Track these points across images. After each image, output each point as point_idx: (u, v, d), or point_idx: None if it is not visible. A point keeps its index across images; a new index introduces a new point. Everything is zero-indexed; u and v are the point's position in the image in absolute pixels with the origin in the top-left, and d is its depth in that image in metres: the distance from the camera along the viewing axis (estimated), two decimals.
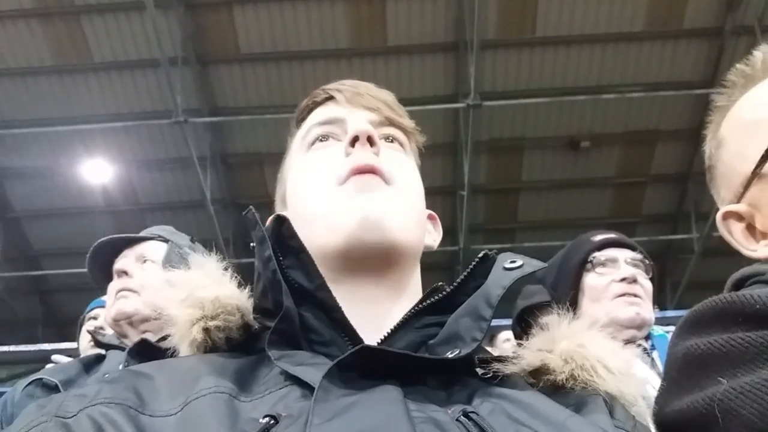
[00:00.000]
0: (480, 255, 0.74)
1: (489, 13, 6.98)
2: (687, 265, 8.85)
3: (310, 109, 0.87)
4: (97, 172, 8.38)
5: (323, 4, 7.14)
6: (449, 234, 8.20)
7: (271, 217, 0.82)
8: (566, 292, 1.68)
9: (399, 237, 0.73)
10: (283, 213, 0.82)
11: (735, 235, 0.84)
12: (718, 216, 0.85)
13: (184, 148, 7.47)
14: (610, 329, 1.56)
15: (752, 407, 0.58)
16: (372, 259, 0.73)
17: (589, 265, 1.70)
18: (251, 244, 0.73)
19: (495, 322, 0.70)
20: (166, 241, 1.73)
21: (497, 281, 0.69)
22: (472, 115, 7.12)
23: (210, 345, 0.70)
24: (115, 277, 1.67)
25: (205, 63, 7.57)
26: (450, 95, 7.62)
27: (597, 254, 1.71)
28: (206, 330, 0.69)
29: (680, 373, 0.70)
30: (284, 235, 0.72)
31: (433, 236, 0.86)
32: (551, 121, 8.05)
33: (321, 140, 0.82)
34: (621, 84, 7.60)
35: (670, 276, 9.17)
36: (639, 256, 1.74)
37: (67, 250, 9.07)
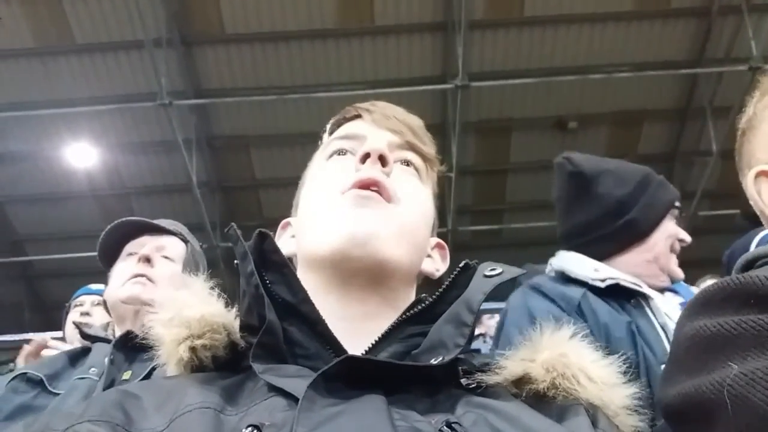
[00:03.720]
0: (461, 265, 0.75)
1: None
2: None
3: (339, 124, 0.89)
4: (82, 156, 8.29)
5: None
6: (437, 216, 8.17)
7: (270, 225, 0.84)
8: (651, 224, 1.68)
9: (386, 256, 0.73)
10: (294, 219, 0.86)
11: (763, 195, 0.85)
12: (752, 173, 0.86)
13: (169, 131, 7.40)
14: (661, 276, 1.67)
15: (763, 394, 0.57)
16: (357, 274, 0.73)
17: (675, 211, 1.72)
18: (235, 261, 0.73)
19: (484, 306, 0.70)
20: (185, 241, 1.69)
21: (478, 288, 0.70)
22: (461, 96, 7.08)
23: (197, 364, 0.71)
24: (128, 258, 1.61)
25: (189, 44, 7.47)
26: (438, 76, 7.57)
27: (678, 205, 1.73)
28: (193, 349, 0.70)
29: (687, 354, 0.69)
30: (267, 251, 0.73)
31: (436, 265, 0.85)
32: (539, 101, 8.03)
33: (339, 154, 0.83)
34: (609, 64, 7.57)
35: None
36: None
37: (53, 235, 9.01)
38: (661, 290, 1.67)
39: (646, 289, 1.58)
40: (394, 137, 0.83)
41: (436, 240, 0.86)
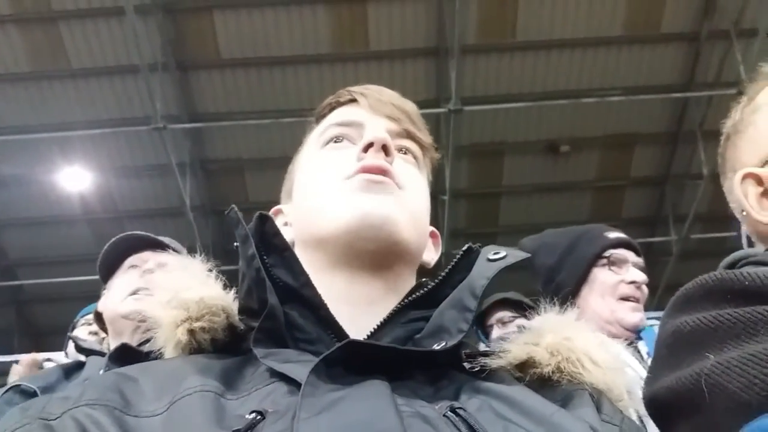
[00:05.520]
0: (464, 248, 0.75)
1: (470, 18, 7.01)
2: (666, 267, 8.93)
3: (331, 108, 0.86)
4: (75, 179, 8.26)
5: (304, 10, 7.12)
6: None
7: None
8: (574, 281, 1.72)
9: (399, 238, 0.73)
10: (286, 206, 0.84)
11: (749, 197, 0.86)
12: (738, 176, 0.87)
13: (163, 154, 7.40)
14: (610, 328, 1.66)
15: (738, 381, 0.59)
16: (369, 256, 0.72)
17: (603, 260, 1.73)
18: (234, 244, 0.72)
19: None
20: None
21: (481, 272, 0.69)
22: (453, 120, 7.14)
23: (195, 347, 0.70)
24: (129, 271, 1.61)
25: (185, 69, 7.51)
26: (431, 100, 7.63)
27: (612, 252, 1.74)
28: (191, 332, 0.69)
29: (669, 350, 0.71)
30: (268, 233, 0.72)
31: (431, 254, 0.85)
32: (531, 125, 8.10)
33: (336, 141, 0.81)
34: (600, 88, 7.66)
35: (650, 279, 9.23)
36: (642, 262, 1.79)
37: (44, 260, 8.94)
38: (629, 341, 1.67)
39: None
40: (393, 125, 0.81)
41: (430, 228, 0.85)
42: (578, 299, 1.72)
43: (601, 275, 1.72)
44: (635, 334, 1.70)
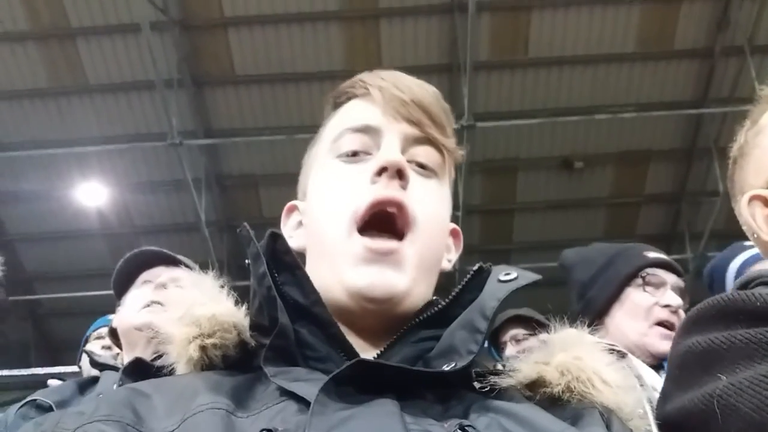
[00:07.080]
0: (475, 268, 0.74)
1: (482, 34, 7.04)
2: None
3: (348, 96, 0.82)
4: (92, 194, 8.35)
5: (318, 26, 7.19)
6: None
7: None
8: (604, 299, 1.65)
9: (405, 307, 0.72)
10: (302, 203, 0.82)
11: (757, 218, 0.86)
12: (745, 198, 0.88)
13: (179, 170, 7.46)
14: (635, 352, 1.54)
15: (750, 402, 0.59)
16: (373, 318, 0.72)
17: (639, 280, 1.65)
18: (246, 261, 0.72)
19: None
20: None
21: (492, 293, 0.69)
22: (466, 136, 7.14)
23: (207, 363, 0.71)
24: (143, 286, 1.64)
25: (200, 85, 7.60)
26: None
27: (649, 271, 1.66)
28: (203, 348, 0.70)
29: (681, 370, 0.71)
30: (279, 251, 0.72)
31: (450, 256, 0.82)
32: (545, 141, 8.09)
33: (351, 155, 0.76)
34: (613, 104, 7.65)
35: None
36: (683, 284, 1.69)
37: (61, 274, 9.01)
38: (655, 367, 1.56)
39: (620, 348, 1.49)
40: (412, 129, 0.76)
41: (451, 226, 0.81)
42: (607, 318, 1.65)
43: (634, 296, 1.63)
44: (660, 362, 1.59)
